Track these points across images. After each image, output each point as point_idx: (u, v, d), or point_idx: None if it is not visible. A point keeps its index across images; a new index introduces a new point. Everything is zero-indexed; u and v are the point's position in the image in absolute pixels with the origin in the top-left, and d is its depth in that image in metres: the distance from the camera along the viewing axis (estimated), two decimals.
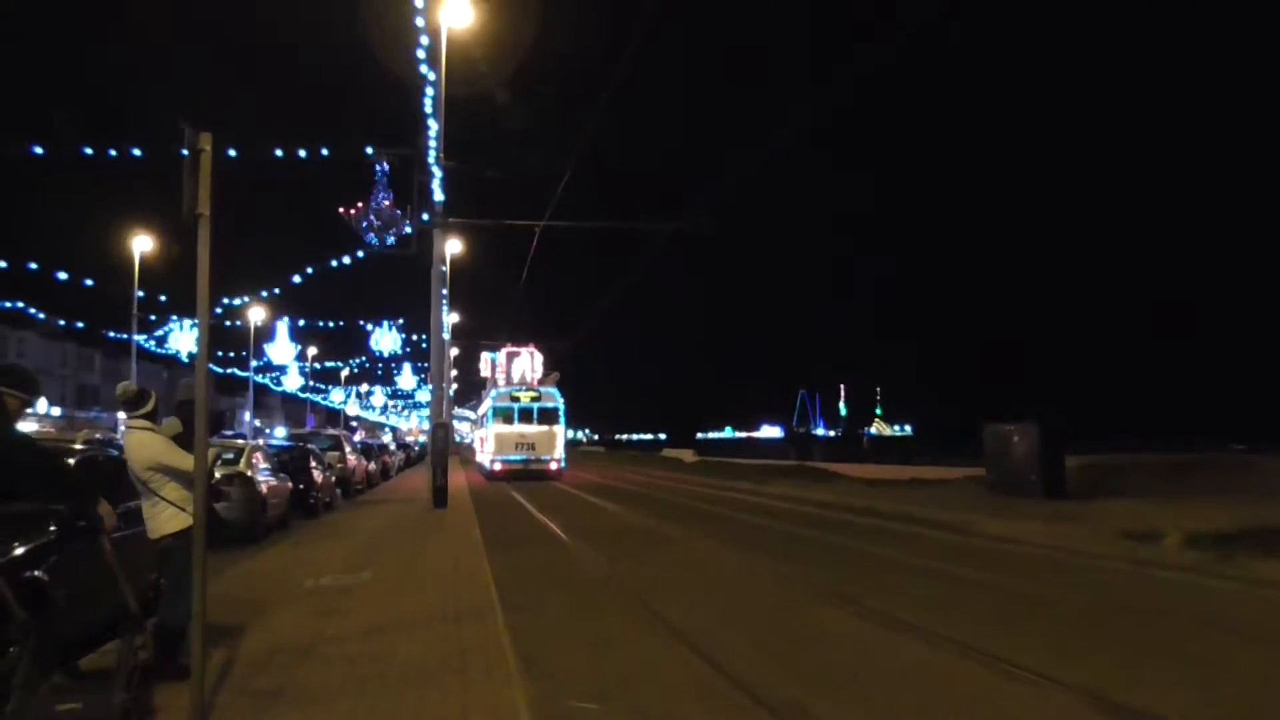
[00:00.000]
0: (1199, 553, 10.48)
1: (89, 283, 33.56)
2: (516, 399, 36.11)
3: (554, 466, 35.10)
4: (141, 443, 5.92)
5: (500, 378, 41.22)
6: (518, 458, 34.73)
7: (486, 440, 37.64)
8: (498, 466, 34.89)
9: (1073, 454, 18.61)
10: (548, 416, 35.63)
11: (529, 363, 40.99)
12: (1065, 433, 17.88)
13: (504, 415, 35.54)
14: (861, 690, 5.76)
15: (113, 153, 19.74)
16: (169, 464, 5.75)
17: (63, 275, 32.19)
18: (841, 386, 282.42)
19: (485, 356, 47.10)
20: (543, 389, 37.36)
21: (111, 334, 43.22)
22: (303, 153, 19.99)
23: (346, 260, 25.37)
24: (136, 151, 19.68)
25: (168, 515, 5.80)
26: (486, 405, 39.05)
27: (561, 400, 36.67)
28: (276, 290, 35.00)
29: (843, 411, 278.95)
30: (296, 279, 29.05)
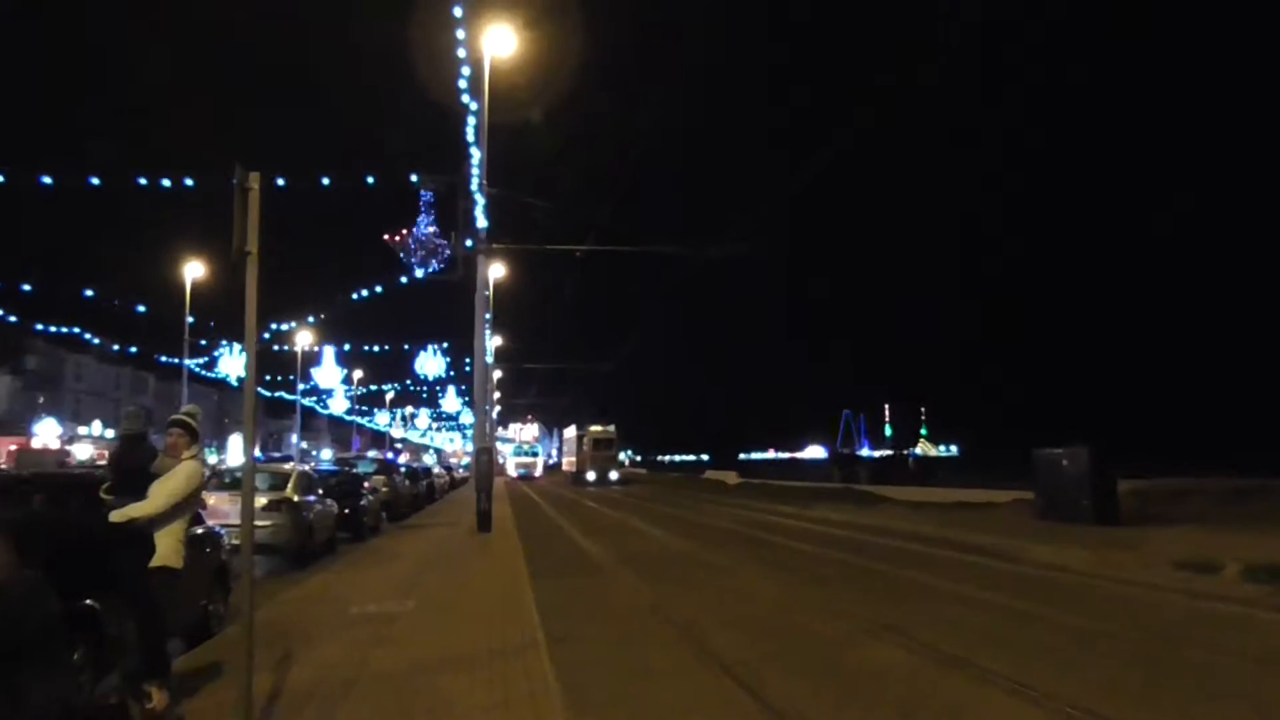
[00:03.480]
0: (1259, 585, 10.18)
1: (142, 308, 34.48)
2: (523, 447, 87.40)
3: (536, 473, 79.73)
4: None
5: (516, 436, 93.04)
6: (523, 472, 78.29)
7: (509, 463, 78.98)
8: (513, 476, 74.94)
9: (1125, 478, 18.22)
10: (534, 454, 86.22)
11: (532, 430, 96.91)
12: (1117, 457, 17.52)
13: (517, 453, 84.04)
14: None
15: (165, 182, 20.24)
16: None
17: (117, 301, 33.14)
18: (886, 406, 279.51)
19: (512, 426, 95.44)
20: (534, 443, 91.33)
21: (164, 358, 44.26)
22: (348, 181, 20.39)
23: (392, 285, 25.68)
24: (189, 181, 20.16)
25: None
26: (510, 448, 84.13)
27: (540, 446, 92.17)
28: (321, 316, 35.73)
29: (888, 432, 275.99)
30: (344, 303, 29.43)
